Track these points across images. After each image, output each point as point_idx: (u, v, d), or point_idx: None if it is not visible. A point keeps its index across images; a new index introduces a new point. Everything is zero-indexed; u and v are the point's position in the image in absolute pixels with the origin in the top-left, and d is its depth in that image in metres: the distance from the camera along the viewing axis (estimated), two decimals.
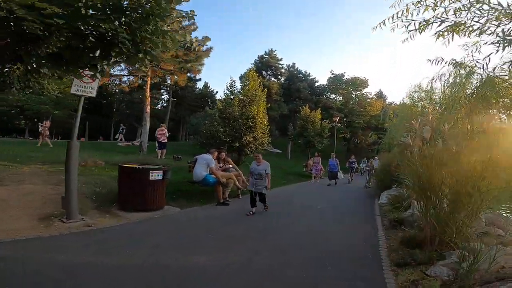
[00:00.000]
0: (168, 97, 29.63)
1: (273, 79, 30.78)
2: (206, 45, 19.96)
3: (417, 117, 9.55)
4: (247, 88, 11.93)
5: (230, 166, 8.37)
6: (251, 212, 5.99)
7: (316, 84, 42.05)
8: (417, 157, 4.29)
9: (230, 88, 12.47)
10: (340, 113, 34.88)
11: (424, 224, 4.19)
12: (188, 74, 30.49)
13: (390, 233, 5.44)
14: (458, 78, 5.16)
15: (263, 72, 30.69)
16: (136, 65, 3.37)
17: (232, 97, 11.70)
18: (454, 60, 4.77)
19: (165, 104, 31.29)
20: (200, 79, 31.85)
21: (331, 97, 39.86)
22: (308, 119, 20.74)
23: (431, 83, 8.79)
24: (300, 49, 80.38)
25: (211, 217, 5.66)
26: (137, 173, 5.44)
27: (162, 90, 32.68)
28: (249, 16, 79.73)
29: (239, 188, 7.88)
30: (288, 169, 19.29)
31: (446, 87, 8.86)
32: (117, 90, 27.26)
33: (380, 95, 45.12)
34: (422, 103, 9.85)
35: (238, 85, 12.36)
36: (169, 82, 27.78)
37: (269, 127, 12.00)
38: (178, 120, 36.72)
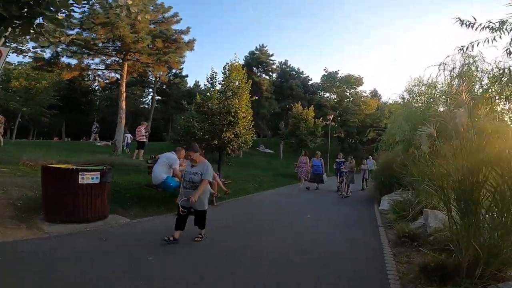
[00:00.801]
0: (155, 95, 28.09)
1: (264, 75, 29.52)
2: (188, 36, 18.65)
3: (422, 111, 8.39)
4: (229, 80, 10.62)
5: None
6: (171, 238, 3.78)
7: (310, 82, 41.02)
8: (451, 151, 2.98)
9: (211, 80, 11.14)
10: (334, 112, 33.80)
11: (462, 246, 2.90)
12: (174, 71, 29.11)
13: (400, 252, 4.20)
14: None
15: (254, 68, 29.44)
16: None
17: (212, 89, 10.37)
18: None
19: (149, 102, 29.79)
20: (187, 76, 30.44)
21: (325, 95, 38.82)
22: (300, 117, 19.54)
23: (441, 70, 7.69)
24: (295, 49, 79.60)
25: (154, 233, 4.26)
26: (64, 175, 4.09)
27: (149, 89, 31.19)
28: (248, 16, 78.53)
29: (212, 193, 6.55)
30: (279, 170, 18.04)
31: (453, 76, 7.78)
32: (97, 87, 25.76)
33: (375, 94, 44.33)
34: (423, 98, 8.71)
35: (221, 77, 11.02)
36: (151, 78, 26.31)
37: (253, 122, 10.68)
38: (167, 119, 35.14)
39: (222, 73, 11.11)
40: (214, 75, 11.21)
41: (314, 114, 20.52)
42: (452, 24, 4.20)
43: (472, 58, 7.63)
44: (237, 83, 10.83)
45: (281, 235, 4.62)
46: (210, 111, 9.21)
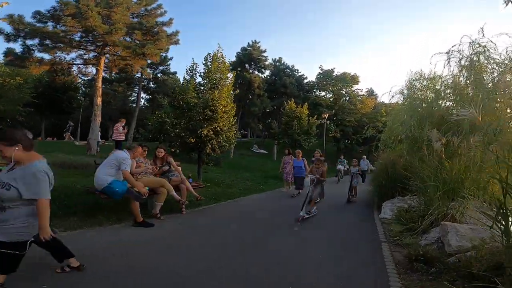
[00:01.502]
0: (140, 92, 26.83)
1: (256, 72, 28.41)
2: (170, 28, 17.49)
3: (428, 104, 7.33)
4: (210, 71, 9.47)
5: (168, 168, 5.92)
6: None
7: (305, 81, 40.05)
8: None
9: (191, 72, 9.97)
10: (330, 111, 32.87)
11: None
12: (162, 68, 27.90)
13: (412, 283, 3.12)
14: None
15: (246, 65, 28.33)
16: None
17: (189, 80, 9.22)
18: None
19: (135, 100, 28.48)
20: (176, 72, 29.18)
21: (320, 94, 37.87)
22: (293, 115, 18.45)
23: (447, 61, 6.73)
24: (290, 47, 78.65)
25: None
26: None
27: (135, 87, 29.91)
28: (245, 14, 77.39)
29: (178, 200, 5.43)
30: (270, 172, 16.95)
31: (460, 67, 6.79)
32: (79, 84, 24.40)
33: (371, 93, 43.54)
34: (425, 93, 7.69)
35: (202, 69, 9.84)
36: (138, 75, 25.09)
37: (235, 118, 9.55)
38: None
39: (203, 64, 9.96)
40: (194, 66, 10.05)
41: (308, 112, 19.42)
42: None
43: (483, 47, 6.67)
44: (219, 75, 9.68)
45: (250, 264, 3.44)
46: (186, 105, 8.03)
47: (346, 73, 38.08)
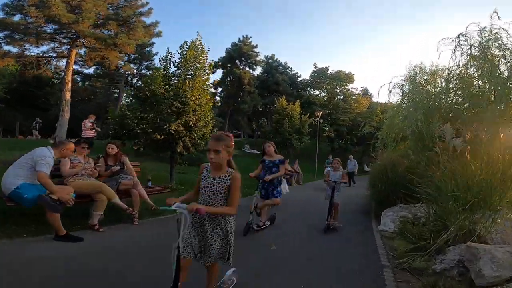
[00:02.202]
0: (122, 88, 25.55)
1: (247, 69, 27.31)
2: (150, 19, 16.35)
3: (435, 95, 6.38)
4: (186, 60, 8.35)
5: (120, 168, 4.82)
6: None
7: (299, 79, 39.10)
8: None
9: (164, 62, 8.82)
10: (324, 109, 31.97)
11: None
12: (146, 63, 26.66)
13: None
14: None
15: (237, 61, 27.24)
16: None
17: (159, 69, 8.10)
18: None
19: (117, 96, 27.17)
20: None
21: (315, 93, 37.00)
22: (285, 113, 17.44)
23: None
24: (285, 45, 77.86)
25: None
26: None
27: (119, 82, 28.55)
28: (248, 16, 76.23)
29: (125, 209, 4.33)
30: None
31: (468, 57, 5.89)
32: (57, 80, 23.00)
33: (366, 93, 42.87)
34: (425, 88, 6.76)
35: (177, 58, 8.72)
36: (122, 70, 23.85)
37: (212, 112, 8.47)
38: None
39: (179, 53, 8.82)
40: (168, 56, 8.90)
41: (300, 110, 18.43)
42: None
43: (494, 34, 5.78)
44: (197, 65, 8.57)
45: None
46: (153, 97, 6.91)
47: (340, 71, 37.30)
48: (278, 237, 4.64)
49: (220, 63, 27.25)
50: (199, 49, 8.79)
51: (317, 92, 37.61)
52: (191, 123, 7.10)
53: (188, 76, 7.84)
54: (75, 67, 20.33)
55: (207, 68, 8.70)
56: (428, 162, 4.60)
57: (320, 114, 23.60)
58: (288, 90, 29.40)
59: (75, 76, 27.98)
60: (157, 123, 6.88)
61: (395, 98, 7.31)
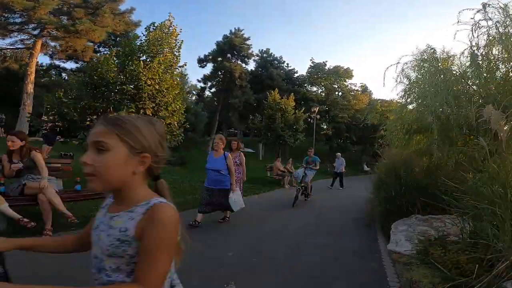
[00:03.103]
0: None
1: (239, 62, 25.87)
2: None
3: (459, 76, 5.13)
4: (148, 41, 6.98)
5: (23, 167, 3.47)
6: None
7: (296, 75, 37.75)
8: None
9: (126, 46, 7.41)
10: (322, 106, 30.70)
11: None
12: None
13: None
14: None
15: (228, 55, 25.83)
16: None
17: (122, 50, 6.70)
18: None
19: None
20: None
21: (312, 90, 35.68)
22: (277, 107, 16.09)
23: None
24: (282, 41, 76.49)
25: None
26: None
27: None
28: (245, 14, 74.60)
29: (17, 220, 2.98)
30: (252, 174, 14.51)
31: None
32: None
33: (365, 89, 41.60)
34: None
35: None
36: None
37: (185, 107, 7.16)
38: None
39: (144, 35, 7.43)
40: (134, 39, 7.50)
41: (294, 104, 17.07)
42: None
43: None
44: (165, 48, 7.18)
45: None
46: (101, 80, 5.52)
47: (339, 66, 36.03)
48: (248, 268, 3.27)
49: (210, 57, 25.81)
50: (166, 31, 7.41)
51: (314, 88, 36.32)
52: (148, 112, 5.70)
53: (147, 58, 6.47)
54: (58, 62, 19.06)
55: (175, 50, 7.33)
56: (463, 160, 3.29)
57: (316, 109, 22.29)
58: (283, 85, 28.02)
59: (52, 70, 26.62)
60: (102, 112, 5.48)
61: (400, 87, 5.98)
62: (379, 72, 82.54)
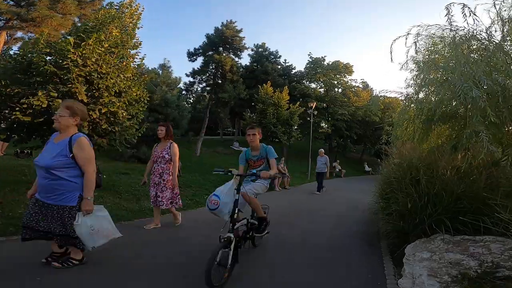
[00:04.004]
0: None
1: (232, 56, 24.44)
2: None
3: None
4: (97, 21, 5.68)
5: None
6: None
7: (293, 71, 36.34)
8: None
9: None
10: (320, 103, 29.36)
11: None
12: None
13: None
14: None
15: (220, 48, 24.45)
16: None
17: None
18: None
19: None
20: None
21: (311, 86, 34.29)
22: (270, 101, 14.76)
23: None
24: (280, 38, 75.18)
25: None
26: None
27: None
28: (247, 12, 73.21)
29: None
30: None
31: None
32: None
33: (366, 86, 40.28)
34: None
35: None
36: None
37: (147, 97, 5.91)
38: None
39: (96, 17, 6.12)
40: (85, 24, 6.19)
41: (289, 98, 15.74)
42: None
43: None
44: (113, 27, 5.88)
45: None
46: (27, 65, 4.22)
47: (338, 61, 34.64)
48: None
49: (200, 51, 24.41)
50: (120, 9, 6.08)
51: (313, 85, 34.97)
52: (80, 97, 4.38)
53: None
54: None
55: (130, 29, 6.00)
56: None
57: (313, 105, 20.99)
58: (279, 80, 26.66)
59: None
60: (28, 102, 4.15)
61: (411, 65, 4.67)
62: (379, 70, 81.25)
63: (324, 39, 74.77)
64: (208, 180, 10.65)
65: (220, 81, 22.87)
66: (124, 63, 5.61)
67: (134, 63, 6.44)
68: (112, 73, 5.01)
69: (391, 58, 4.37)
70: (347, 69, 34.68)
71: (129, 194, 6.91)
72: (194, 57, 24.69)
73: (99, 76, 4.85)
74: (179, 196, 4.72)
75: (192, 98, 28.94)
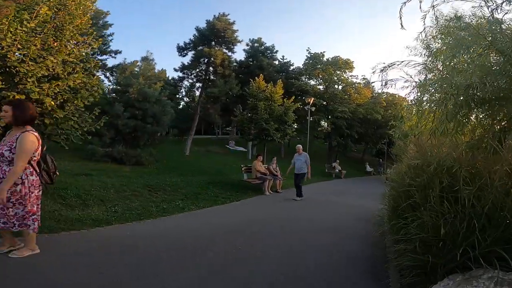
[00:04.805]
0: None
1: (225, 51, 23.19)
2: None
3: None
4: None
5: None
6: None
7: (291, 68, 35.09)
8: None
9: None
10: (319, 100, 28.19)
11: None
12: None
13: None
14: None
15: (213, 43, 23.20)
16: None
17: None
18: None
19: None
20: (120, 52, 23.84)
21: (309, 83, 33.07)
22: (261, 96, 13.56)
23: None
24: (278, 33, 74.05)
25: None
26: None
27: None
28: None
29: None
30: (225, 175, 12.01)
31: None
32: None
33: (368, 83, 39.02)
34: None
35: None
36: None
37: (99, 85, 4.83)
38: None
39: None
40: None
41: (283, 92, 14.52)
42: None
43: None
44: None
45: None
46: None
47: (338, 57, 33.40)
48: None
49: (191, 45, 23.16)
50: None
51: (312, 82, 33.77)
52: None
53: None
54: None
55: (73, 8, 4.82)
56: None
57: (311, 100, 19.83)
58: (276, 77, 25.41)
59: None
60: None
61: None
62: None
63: (322, 34, 73.60)
64: (189, 183, 9.45)
65: (213, 77, 21.63)
66: (55, 44, 4.43)
67: (86, 48, 5.35)
68: (38, 57, 3.88)
69: (401, 23, 3.18)
70: (348, 64, 33.45)
71: (78, 199, 5.71)
72: (185, 52, 23.48)
73: (19, 60, 3.71)
74: (35, 217, 2.98)
75: (180, 95, 27.72)
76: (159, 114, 11.60)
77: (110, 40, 24.74)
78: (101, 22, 24.56)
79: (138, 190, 7.49)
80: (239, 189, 9.60)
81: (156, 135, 11.96)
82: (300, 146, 9.72)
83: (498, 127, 2.74)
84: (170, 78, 27.25)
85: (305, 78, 33.68)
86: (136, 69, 13.05)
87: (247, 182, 9.85)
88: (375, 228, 4.75)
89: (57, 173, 3.38)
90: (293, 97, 14.61)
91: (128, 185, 7.80)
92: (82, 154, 11.65)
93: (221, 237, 4.48)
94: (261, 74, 15.22)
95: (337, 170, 21.26)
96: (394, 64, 3.04)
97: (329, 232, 5.07)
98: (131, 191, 7.29)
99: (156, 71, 14.85)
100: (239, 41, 23.27)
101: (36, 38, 4.04)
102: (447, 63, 2.81)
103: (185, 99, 31.64)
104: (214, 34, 22.45)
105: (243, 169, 10.34)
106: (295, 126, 33.00)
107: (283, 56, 35.00)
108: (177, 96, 26.89)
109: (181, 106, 30.51)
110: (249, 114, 13.85)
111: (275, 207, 7.84)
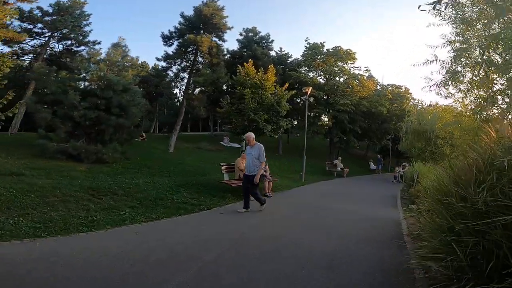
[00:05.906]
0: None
1: (215, 39, 21.42)
2: None
3: None
4: None
5: None
6: None
7: (289, 60, 33.31)
8: None
9: None
10: (319, 92, 26.45)
11: None
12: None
13: None
14: None
15: (201, 31, 21.44)
16: None
17: None
18: None
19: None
20: (100, 42, 22.16)
21: (309, 75, 31.32)
22: (250, 83, 11.85)
23: None
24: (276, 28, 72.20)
25: None
26: None
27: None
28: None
29: None
30: (210, 176, 10.35)
31: None
32: None
33: (371, 76, 37.21)
34: None
35: None
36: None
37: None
38: None
39: None
40: None
41: (275, 79, 12.80)
42: None
43: None
44: None
45: None
46: None
47: (339, 47, 31.60)
48: None
49: (177, 33, 21.43)
50: None
51: (311, 74, 32.01)
52: None
53: None
54: None
55: None
56: None
57: (309, 90, 18.07)
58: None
59: None
60: None
61: None
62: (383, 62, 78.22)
63: (320, 27, 71.80)
64: (155, 185, 7.76)
65: (201, 66, 19.87)
66: None
67: None
68: None
69: None
70: (349, 55, 31.62)
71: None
72: (170, 41, 21.76)
73: None
74: None
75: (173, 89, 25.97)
76: (127, 104, 9.94)
77: (89, 31, 23.26)
78: (78, 12, 23.07)
79: (74, 194, 5.81)
80: (217, 192, 7.91)
81: (124, 128, 10.27)
82: (251, 134, 6.52)
83: None
84: (160, 68, 25.58)
85: (305, 70, 31.96)
86: (101, 56, 11.59)
87: (226, 184, 8.13)
88: (395, 256, 3.07)
89: None
90: (287, 84, 12.92)
91: (66, 188, 6.12)
92: (36, 151, 10.00)
93: (140, 274, 2.80)
94: (250, 60, 13.50)
95: (339, 168, 19.53)
96: None
97: (320, 269, 3.37)
98: (63, 195, 5.62)
99: (129, 58, 13.40)
100: (229, 28, 21.51)
101: None
102: None
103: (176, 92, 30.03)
104: (202, 21, 20.71)
105: (223, 168, 8.59)
106: (295, 123, 31.72)
107: (280, 48, 33.33)
108: (173, 91, 25.25)
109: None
110: (236, 105, 12.14)
111: (253, 220, 6.02)
